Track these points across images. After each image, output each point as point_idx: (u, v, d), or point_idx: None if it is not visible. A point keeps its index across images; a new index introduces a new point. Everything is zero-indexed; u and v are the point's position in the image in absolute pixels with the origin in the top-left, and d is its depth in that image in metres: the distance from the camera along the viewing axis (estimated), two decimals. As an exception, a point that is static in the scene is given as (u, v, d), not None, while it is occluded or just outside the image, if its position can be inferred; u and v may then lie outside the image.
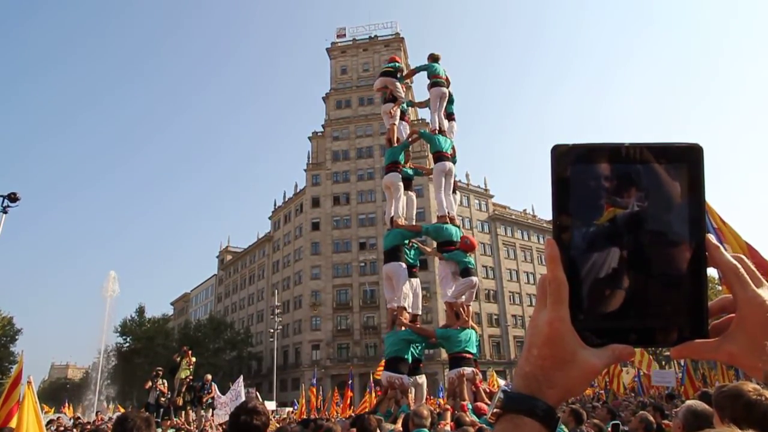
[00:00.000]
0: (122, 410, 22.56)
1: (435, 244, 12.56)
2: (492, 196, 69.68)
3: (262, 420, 2.58)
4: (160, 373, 16.20)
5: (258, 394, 23.77)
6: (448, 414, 7.26)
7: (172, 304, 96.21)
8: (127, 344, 62.27)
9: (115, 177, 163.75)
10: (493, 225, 67.36)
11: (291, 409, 29.53)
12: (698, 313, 0.58)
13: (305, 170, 66.70)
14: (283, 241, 68.98)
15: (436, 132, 12.81)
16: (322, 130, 68.39)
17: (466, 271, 11.20)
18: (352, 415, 11.98)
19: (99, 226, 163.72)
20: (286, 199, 70.72)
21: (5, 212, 15.74)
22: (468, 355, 10.46)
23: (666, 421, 6.31)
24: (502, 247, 66.89)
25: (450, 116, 13.62)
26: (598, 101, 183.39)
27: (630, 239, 0.58)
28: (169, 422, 14.26)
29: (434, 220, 13.07)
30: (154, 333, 61.02)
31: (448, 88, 13.37)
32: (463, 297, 11.15)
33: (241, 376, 18.24)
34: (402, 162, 12.76)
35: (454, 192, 12.70)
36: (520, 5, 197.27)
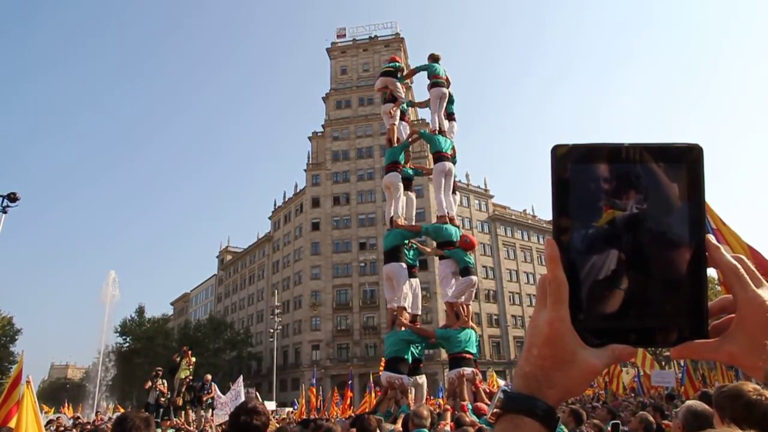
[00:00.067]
0: (122, 410, 22.56)
1: (434, 245, 12.56)
2: (492, 197, 69.69)
3: (262, 420, 2.58)
4: (160, 373, 16.20)
5: (258, 394, 23.77)
6: (448, 414, 7.26)
7: (172, 304, 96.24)
8: (127, 344, 62.24)
9: (115, 177, 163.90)
10: (493, 225, 67.36)
11: (291, 409, 29.53)
12: (698, 313, 0.58)
13: (305, 170, 66.71)
14: (283, 241, 68.98)
15: (436, 132, 12.81)
16: (322, 130, 68.39)
17: (465, 270, 11.21)
18: (352, 415, 11.98)
19: (99, 226, 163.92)
20: (286, 199, 70.73)
21: (5, 212, 15.74)
22: (468, 356, 10.46)
23: (666, 422, 6.30)
24: (502, 248, 66.89)
25: (450, 116, 13.62)
26: (598, 101, 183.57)
27: (629, 240, 0.58)
28: (168, 422, 14.25)
29: (434, 221, 13.07)
30: (154, 333, 61.01)
31: (448, 88, 13.36)
32: (463, 297, 11.16)
33: (241, 376, 18.24)
34: (402, 162, 12.76)
35: (453, 192, 12.70)
36: (520, 5, 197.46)
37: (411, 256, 12.34)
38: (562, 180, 0.59)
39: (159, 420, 14.10)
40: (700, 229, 0.58)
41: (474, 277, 11.36)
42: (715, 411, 2.25)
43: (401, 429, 6.21)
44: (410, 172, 13.36)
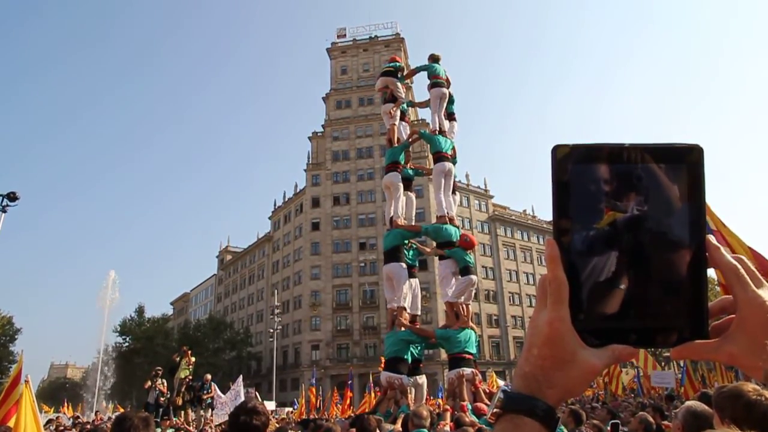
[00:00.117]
0: (121, 410, 22.56)
1: (434, 245, 12.56)
2: (492, 197, 69.71)
3: (261, 420, 2.58)
4: (160, 372, 16.20)
5: (257, 394, 23.77)
6: (448, 414, 7.27)
7: (171, 304, 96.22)
8: (127, 344, 62.26)
9: (115, 177, 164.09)
10: (492, 225, 67.37)
11: (290, 409, 29.53)
12: (698, 314, 0.58)
13: (305, 170, 66.74)
14: (283, 241, 68.99)
15: (436, 132, 12.81)
16: (322, 130, 68.41)
17: (465, 270, 11.22)
18: (352, 415, 11.98)
19: (99, 226, 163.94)
20: (286, 199, 70.75)
21: (4, 211, 15.74)
22: (467, 356, 10.46)
23: (665, 422, 6.30)
24: (501, 248, 66.90)
25: (451, 116, 13.62)
26: (598, 101, 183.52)
27: (630, 242, 0.58)
28: (168, 422, 14.25)
29: (434, 221, 13.07)
30: (154, 333, 61.01)
31: (448, 88, 13.37)
32: (463, 297, 11.17)
33: (241, 376, 18.22)
34: (402, 162, 12.76)
35: (453, 192, 12.70)
36: (520, 5, 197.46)
37: (411, 257, 12.34)
38: (562, 181, 0.59)
39: (158, 420, 14.09)
40: (701, 229, 0.58)
41: (474, 277, 11.38)
42: (715, 411, 2.25)
43: (401, 429, 6.21)
44: (410, 172, 13.36)
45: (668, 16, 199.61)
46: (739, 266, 0.59)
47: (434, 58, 13.52)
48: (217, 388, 16.51)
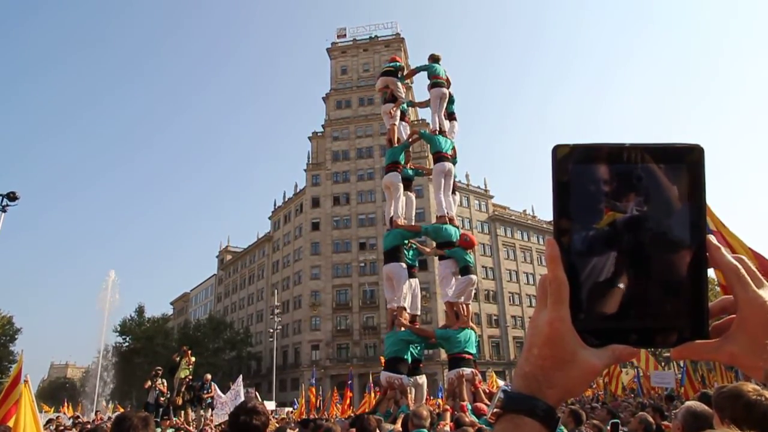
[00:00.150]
0: (121, 410, 22.54)
1: (434, 245, 12.56)
2: (492, 197, 69.71)
3: (261, 420, 2.58)
4: (160, 372, 16.19)
5: (257, 394, 23.77)
6: (448, 414, 7.27)
7: (171, 303, 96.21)
8: (127, 344, 62.26)
9: (115, 177, 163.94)
10: (492, 225, 67.37)
11: (290, 409, 29.53)
12: (699, 314, 0.58)
13: (305, 170, 66.74)
14: (283, 241, 68.99)
15: (437, 132, 12.81)
16: (322, 130, 68.41)
17: (465, 269, 11.23)
18: (352, 415, 11.98)
19: (99, 226, 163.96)
20: (286, 199, 70.75)
21: (4, 211, 15.76)
22: (467, 356, 10.46)
23: (665, 422, 6.30)
24: (501, 248, 66.90)
25: (451, 116, 13.62)
26: (598, 101, 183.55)
27: (630, 242, 0.58)
28: (168, 422, 14.25)
29: (434, 221, 13.07)
30: (154, 333, 61.01)
31: (448, 88, 13.37)
32: (463, 296, 11.17)
33: (241, 376, 18.21)
34: (402, 162, 12.77)
35: (453, 192, 12.70)
36: (520, 5, 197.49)
37: (410, 257, 12.34)
38: (562, 181, 0.59)
39: (159, 420, 14.09)
40: (701, 229, 0.58)
41: (473, 276, 11.39)
42: (715, 412, 2.25)
43: (401, 429, 6.21)
44: (410, 172, 13.36)
45: (668, 16, 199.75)
46: (740, 266, 0.59)
47: (434, 58, 13.52)
48: (217, 387, 16.51)
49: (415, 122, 44.42)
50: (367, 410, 13.03)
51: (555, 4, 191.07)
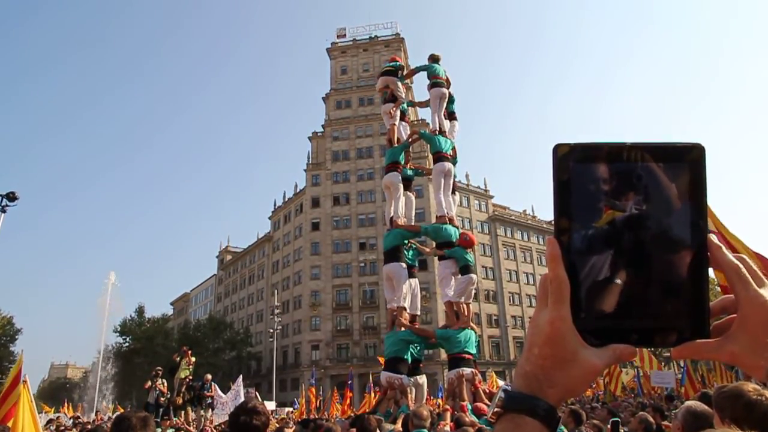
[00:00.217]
0: (121, 410, 22.54)
1: (434, 245, 12.57)
2: (492, 197, 69.71)
3: (261, 420, 2.58)
4: (160, 372, 16.20)
5: (257, 394, 23.78)
6: (448, 414, 7.27)
7: (171, 304, 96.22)
8: (127, 344, 62.27)
9: (115, 177, 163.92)
10: (492, 225, 67.37)
11: (290, 409, 29.55)
12: (699, 313, 0.58)
13: (305, 170, 66.74)
14: (283, 241, 68.99)
15: (436, 132, 12.82)
16: (322, 130, 68.42)
17: (465, 269, 11.24)
18: (352, 415, 11.98)
19: (99, 226, 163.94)
20: (286, 200, 70.75)
21: (4, 211, 15.75)
22: (467, 356, 10.47)
23: (665, 422, 6.30)
24: (501, 248, 66.91)
25: (451, 115, 13.62)
26: (598, 101, 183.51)
27: (630, 241, 0.57)
28: (168, 422, 14.24)
29: (433, 221, 13.07)
30: (154, 333, 61.03)
31: (448, 88, 13.37)
32: (463, 296, 11.17)
33: (241, 376, 18.24)
34: (402, 162, 12.77)
35: (453, 192, 12.70)
36: (520, 5, 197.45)
37: (410, 257, 12.34)
38: (563, 180, 0.59)
39: (159, 420, 14.09)
40: (702, 229, 0.58)
41: (474, 275, 11.41)
42: (715, 411, 2.25)
43: (401, 429, 6.21)
44: (410, 172, 13.36)
45: (668, 17, 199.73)
46: (741, 265, 0.59)
47: (434, 59, 13.52)
48: (217, 387, 16.52)
49: (415, 122, 44.43)
50: (367, 410, 13.03)
51: (555, 4, 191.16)
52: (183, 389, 15.64)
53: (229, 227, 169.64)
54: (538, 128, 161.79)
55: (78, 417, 22.17)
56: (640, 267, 0.58)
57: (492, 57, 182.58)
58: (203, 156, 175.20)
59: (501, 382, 19.40)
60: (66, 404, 33.09)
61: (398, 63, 14.22)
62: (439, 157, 12.39)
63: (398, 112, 13.43)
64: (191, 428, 13.22)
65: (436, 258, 13.66)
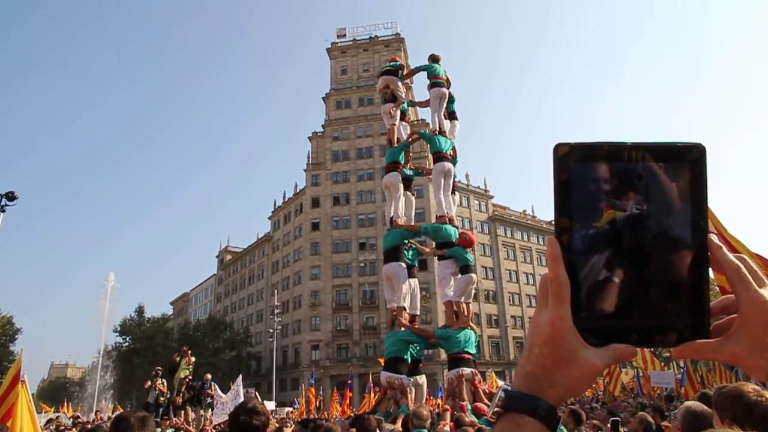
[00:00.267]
0: (121, 410, 22.53)
1: (434, 245, 12.56)
2: (492, 197, 69.69)
3: (261, 420, 2.58)
4: (160, 372, 16.18)
5: (257, 394, 23.75)
6: (448, 414, 7.27)
7: (171, 303, 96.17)
8: (127, 344, 62.27)
9: (115, 177, 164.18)
10: (492, 226, 67.36)
11: (290, 409, 29.54)
12: (700, 313, 0.58)
13: (305, 170, 66.71)
14: (283, 241, 68.96)
15: (436, 132, 12.81)
16: (322, 130, 68.38)
17: (465, 268, 11.24)
18: (352, 415, 11.98)
19: (99, 226, 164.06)
20: (286, 200, 70.73)
21: (3, 211, 15.73)
22: (467, 356, 10.46)
23: (665, 423, 6.30)
24: (501, 248, 66.89)
25: (452, 115, 13.62)
26: (598, 101, 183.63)
27: (630, 241, 0.57)
28: (168, 422, 14.23)
29: (433, 221, 13.07)
30: (154, 333, 61.02)
31: (448, 88, 13.36)
32: (463, 296, 11.17)
33: (241, 376, 18.20)
34: (402, 162, 12.76)
35: (453, 192, 12.70)
36: (520, 5, 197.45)
37: (410, 257, 12.33)
38: (563, 179, 0.59)
39: (159, 419, 14.08)
40: (703, 229, 0.57)
41: (474, 275, 11.41)
42: (715, 412, 2.25)
43: (401, 429, 6.20)
44: (410, 172, 13.36)
45: (668, 17, 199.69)
46: (741, 265, 0.59)
47: (434, 59, 13.51)
48: (217, 387, 16.51)
49: (415, 122, 44.40)
50: (367, 410, 13.02)
51: (555, 4, 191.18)
52: (183, 389, 15.63)
53: (229, 227, 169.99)
54: (538, 128, 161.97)
55: (77, 417, 22.14)
56: (641, 267, 0.58)
57: (492, 57, 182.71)
58: (203, 156, 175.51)
59: (501, 382, 19.37)
60: (66, 404, 33.10)
61: (398, 63, 14.21)
62: (439, 157, 12.39)
63: (398, 112, 13.43)
64: (191, 428, 13.22)
65: (435, 258, 13.65)
